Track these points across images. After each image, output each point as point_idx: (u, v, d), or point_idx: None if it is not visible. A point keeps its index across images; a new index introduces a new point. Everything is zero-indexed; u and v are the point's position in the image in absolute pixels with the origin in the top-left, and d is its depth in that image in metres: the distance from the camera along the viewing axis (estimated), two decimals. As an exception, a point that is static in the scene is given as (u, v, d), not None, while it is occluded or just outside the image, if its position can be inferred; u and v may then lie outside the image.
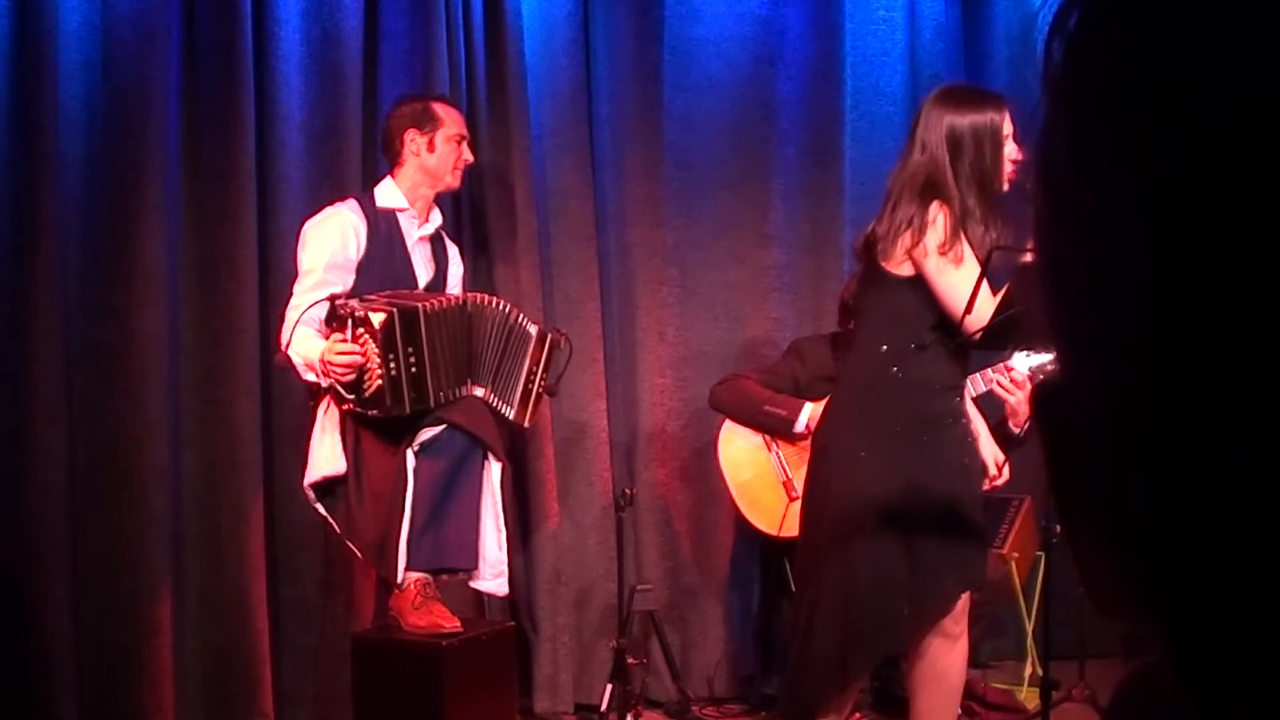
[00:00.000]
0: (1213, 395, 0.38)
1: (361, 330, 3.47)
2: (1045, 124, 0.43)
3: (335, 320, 3.55)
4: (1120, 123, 0.40)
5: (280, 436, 4.16)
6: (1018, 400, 3.80)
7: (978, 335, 3.05)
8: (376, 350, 3.46)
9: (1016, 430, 3.95)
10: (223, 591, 4.10)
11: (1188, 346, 0.39)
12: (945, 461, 3.15)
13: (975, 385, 3.81)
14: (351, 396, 3.53)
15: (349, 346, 3.48)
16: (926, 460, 3.12)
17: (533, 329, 3.84)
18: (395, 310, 3.49)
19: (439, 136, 3.85)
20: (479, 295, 3.83)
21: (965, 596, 3.19)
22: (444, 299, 3.67)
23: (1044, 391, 0.45)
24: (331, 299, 3.58)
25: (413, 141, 3.85)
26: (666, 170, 4.71)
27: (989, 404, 3.89)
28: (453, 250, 4.07)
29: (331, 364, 3.49)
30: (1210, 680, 0.40)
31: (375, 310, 3.50)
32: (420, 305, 3.55)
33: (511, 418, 3.78)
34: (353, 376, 3.49)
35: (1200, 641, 0.40)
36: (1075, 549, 0.46)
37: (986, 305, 3.02)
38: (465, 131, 3.95)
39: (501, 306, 3.82)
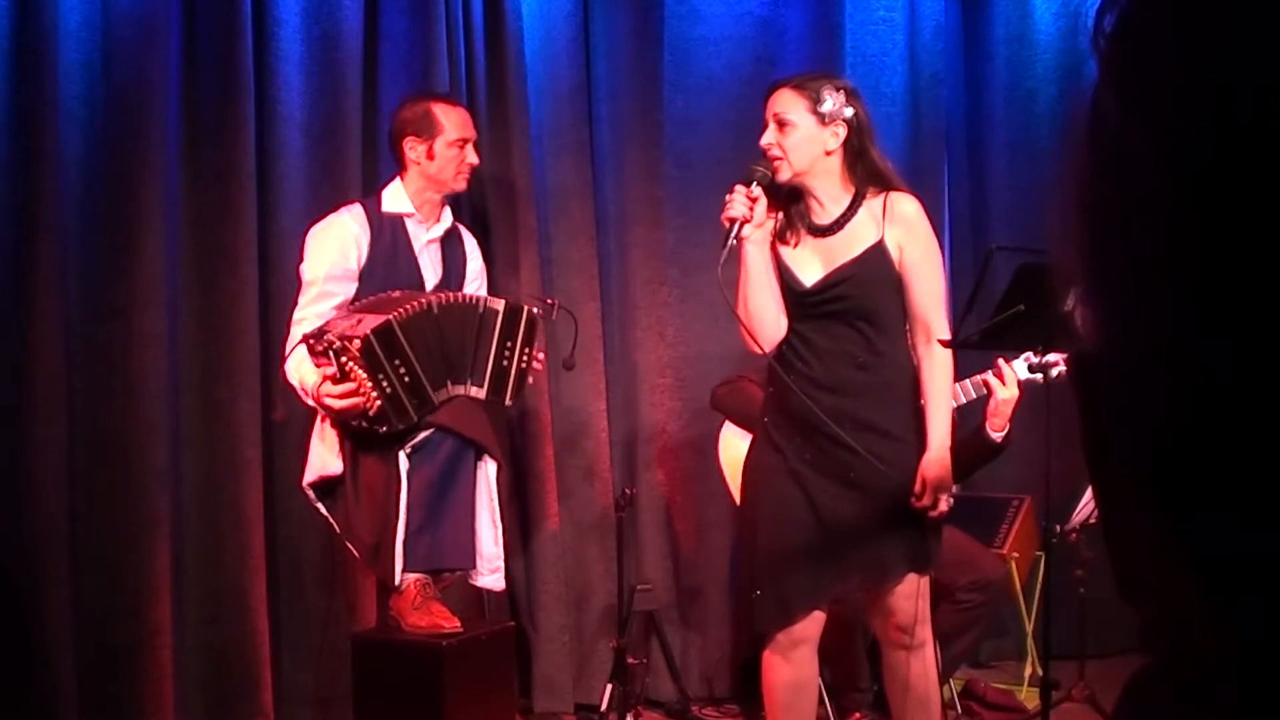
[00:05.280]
0: (1257, 344, 0.39)
1: (345, 359, 3.45)
2: (1096, 88, 0.44)
3: (317, 354, 3.51)
4: (1170, 85, 0.41)
5: (280, 436, 4.16)
6: (1006, 398, 3.64)
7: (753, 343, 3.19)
8: (365, 375, 3.43)
9: (996, 435, 3.74)
10: (223, 591, 4.10)
11: (1232, 296, 0.39)
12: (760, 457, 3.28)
13: (957, 395, 3.75)
14: (356, 422, 3.53)
15: (344, 389, 3.46)
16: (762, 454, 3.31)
17: (498, 305, 3.72)
18: (369, 332, 3.43)
19: (438, 144, 3.79)
20: (444, 294, 3.72)
21: (914, 610, 3.16)
22: (411, 304, 3.57)
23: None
24: (305, 339, 3.54)
25: (412, 149, 3.80)
26: (666, 170, 4.71)
27: (967, 413, 3.83)
28: (470, 246, 4.01)
29: (333, 410, 3.51)
30: (1245, 644, 0.40)
31: (350, 336, 3.44)
32: (390, 317, 3.48)
33: (482, 397, 3.68)
34: (358, 419, 3.50)
35: (1239, 603, 0.40)
36: (1106, 519, 0.46)
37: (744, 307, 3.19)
38: (468, 133, 3.86)
39: (466, 299, 3.74)
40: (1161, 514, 0.42)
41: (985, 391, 3.76)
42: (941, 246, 5.08)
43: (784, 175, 3.16)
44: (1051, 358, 3.60)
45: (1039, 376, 3.65)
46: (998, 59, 5.14)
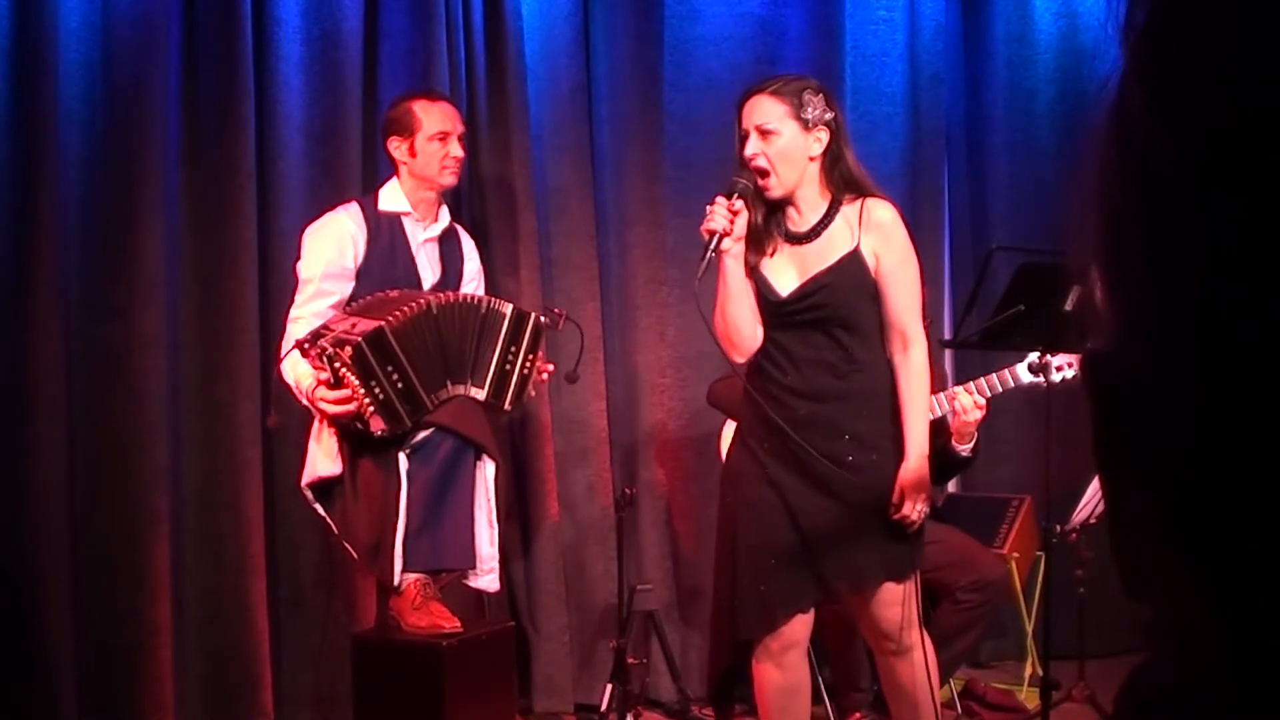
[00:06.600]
0: (1273, 346, 0.39)
1: (338, 364, 3.45)
2: (1122, 83, 0.45)
3: (311, 358, 3.51)
4: (1189, 85, 0.42)
5: (280, 436, 4.15)
6: (973, 420, 3.86)
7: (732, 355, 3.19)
8: (358, 382, 3.43)
9: (963, 450, 3.94)
10: (223, 591, 4.10)
11: (1250, 298, 0.39)
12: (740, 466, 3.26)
13: (932, 407, 3.76)
14: (352, 424, 3.54)
15: (338, 395, 3.47)
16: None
17: (505, 309, 3.73)
18: (361, 338, 3.43)
19: (419, 140, 3.79)
20: (444, 294, 3.72)
21: (897, 618, 3.15)
22: (407, 306, 3.57)
23: (1095, 355, 0.46)
24: (298, 344, 3.54)
25: (396, 148, 3.81)
26: (666, 170, 4.71)
27: (941, 428, 3.84)
28: (468, 246, 4.01)
29: (328, 414, 3.52)
30: (1248, 627, 0.40)
31: (343, 343, 3.44)
32: (382, 323, 3.48)
33: (482, 399, 3.67)
34: (352, 422, 3.50)
35: (1241, 602, 0.40)
36: (1113, 516, 0.46)
37: (721, 318, 3.16)
38: (451, 127, 3.83)
39: (469, 299, 3.74)
40: (1169, 511, 0.43)
41: (950, 410, 3.86)
42: (941, 246, 5.11)
43: (776, 193, 3.12)
44: (1055, 360, 3.62)
45: (1040, 378, 3.66)
46: (998, 59, 5.14)
